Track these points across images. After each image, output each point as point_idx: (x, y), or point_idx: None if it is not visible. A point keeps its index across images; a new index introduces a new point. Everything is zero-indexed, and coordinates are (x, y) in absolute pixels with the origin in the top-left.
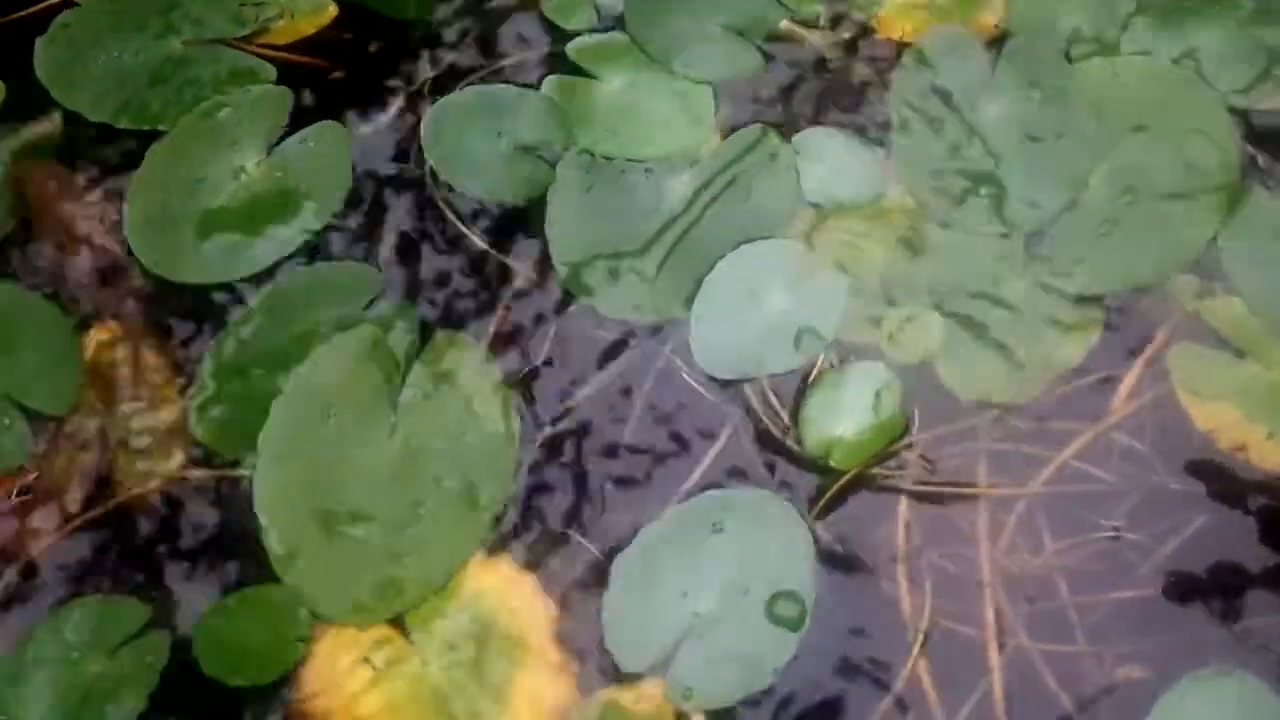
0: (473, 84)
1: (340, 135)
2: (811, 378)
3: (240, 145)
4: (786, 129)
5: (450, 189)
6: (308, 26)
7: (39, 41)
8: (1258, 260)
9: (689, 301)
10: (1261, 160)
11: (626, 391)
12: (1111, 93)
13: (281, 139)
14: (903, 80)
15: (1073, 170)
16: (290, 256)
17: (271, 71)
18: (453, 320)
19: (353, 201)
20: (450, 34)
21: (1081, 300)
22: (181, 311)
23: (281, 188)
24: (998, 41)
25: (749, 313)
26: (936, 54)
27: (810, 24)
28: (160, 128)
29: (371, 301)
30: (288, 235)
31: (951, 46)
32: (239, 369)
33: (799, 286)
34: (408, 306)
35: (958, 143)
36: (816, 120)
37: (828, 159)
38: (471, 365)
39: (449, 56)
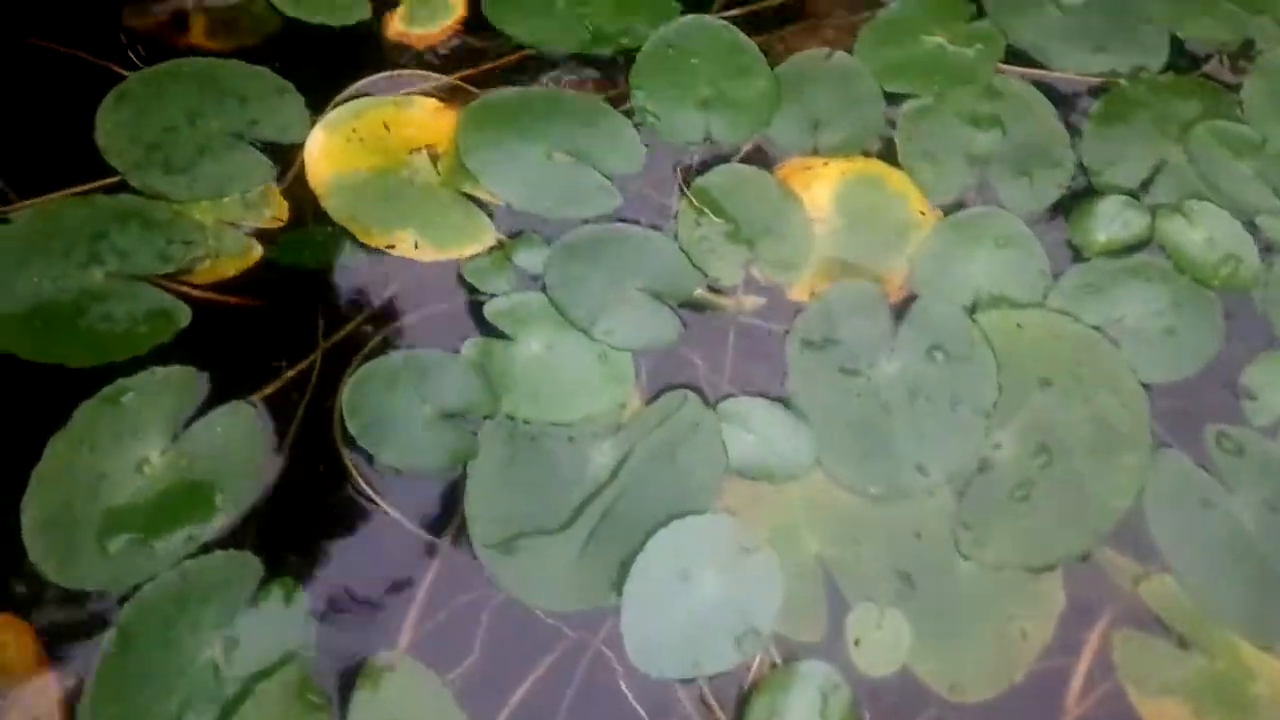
0: (392, 344)
1: (250, 418)
2: (752, 679)
3: (144, 433)
4: (709, 394)
5: (369, 459)
6: (231, 268)
7: None
8: (1184, 534)
9: (617, 585)
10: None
11: (555, 696)
12: (1016, 347)
13: (190, 420)
14: (804, 332)
15: (966, 439)
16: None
17: (187, 314)
18: (373, 622)
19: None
20: (371, 289)
21: (1029, 570)
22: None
23: (188, 480)
24: (905, 301)
25: (681, 600)
26: (839, 309)
27: (726, 291)
28: (67, 364)
29: (259, 590)
30: (191, 535)
31: (855, 303)
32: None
33: (733, 570)
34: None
35: (861, 403)
36: (739, 385)
37: (754, 428)
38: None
39: (364, 314)
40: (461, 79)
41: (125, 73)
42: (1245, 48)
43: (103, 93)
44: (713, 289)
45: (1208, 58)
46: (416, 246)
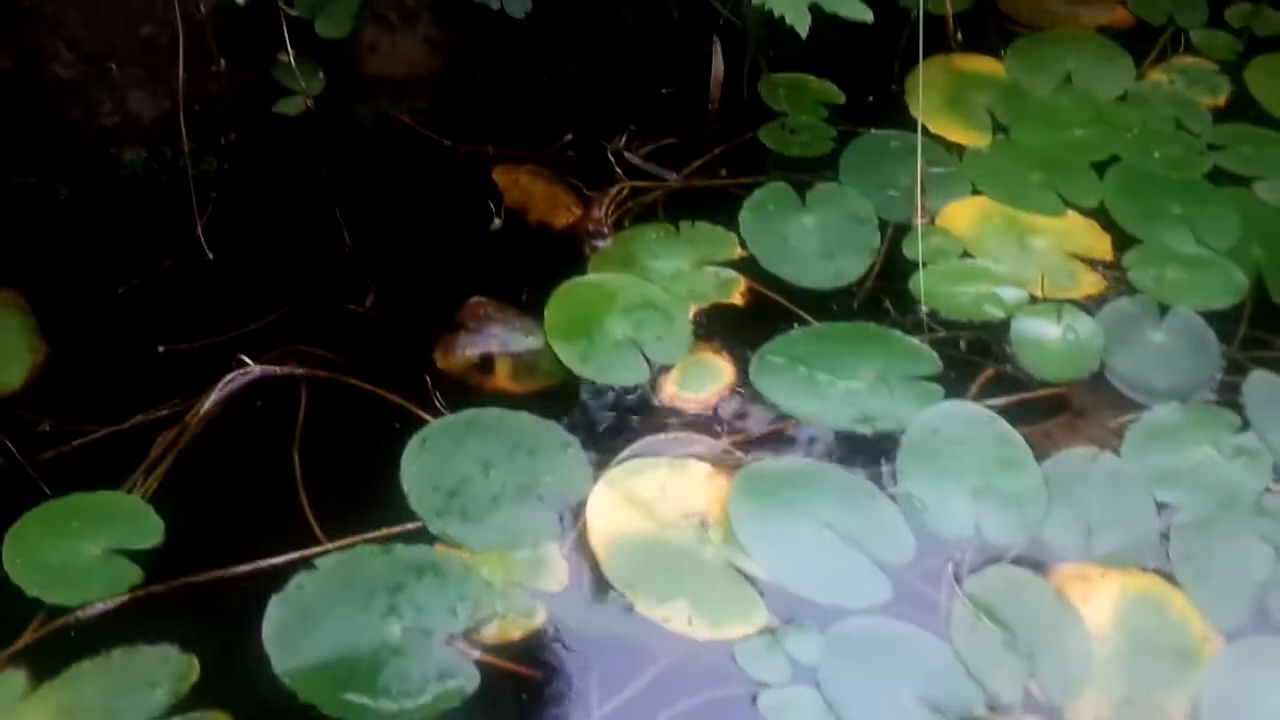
0: None
1: None
2: None
3: None
4: None
5: None
6: (515, 630)
7: (273, 599)
8: None
9: None
10: None
11: None
12: None
13: None
14: None
15: None
16: None
17: (475, 680)
18: None
19: None
20: (643, 662)
21: None
22: None
23: None
24: None
25: None
26: None
27: (1003, 709)
28: None
29: None
30: None
31: None
32: None
33: None
34: None
35: None
36: None
37: None
38: None
39: (634, 687)
40: (732, 444)
41: (429, 417)
42: None
43: (408, 436)
44: (991, 706)
45: None
46: (690, 622)
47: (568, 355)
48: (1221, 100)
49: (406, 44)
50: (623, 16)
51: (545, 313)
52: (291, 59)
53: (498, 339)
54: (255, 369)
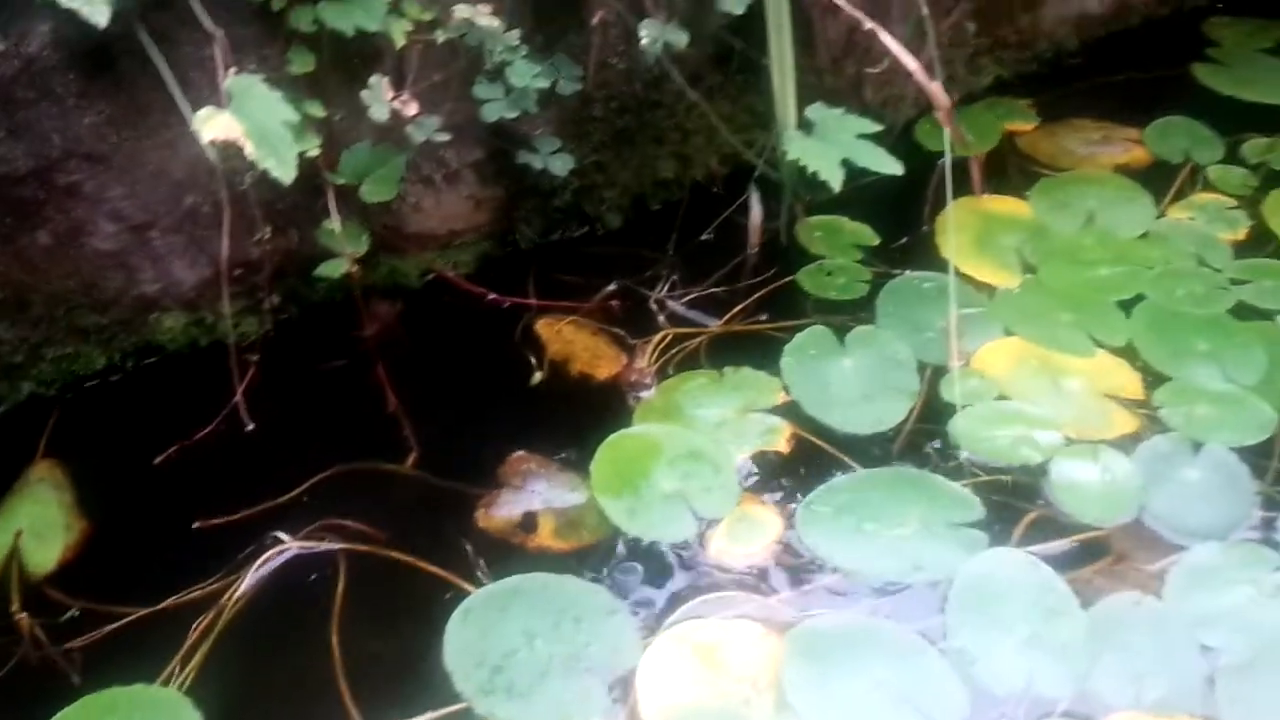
0: None
1: None
2: None
3: None
4: None
5: None
6: None
7: None
8: None
9: None
10: None
11: None
12: None
13: None
14: None
15: None
16: None
17: None
18: None
19: None
20: None
21: None
22: None
23: None
24: None
25: None
26: None
27: None
28: None
29: None
30: None
31: None
32: None
33: None
34: None
35: None
36: None
37: None
38: None
39: None
40: (781, 602)
41: (471, 587)
42: None
43: (450, 608)
44: None
45: None
46: None
47: (614, 511)
48: (1241, 235)
49: (450, 201)
50: (659, 169)
51: (590, 467)
52: (338, 224)
53: (541, 496)
54: (293, 545)
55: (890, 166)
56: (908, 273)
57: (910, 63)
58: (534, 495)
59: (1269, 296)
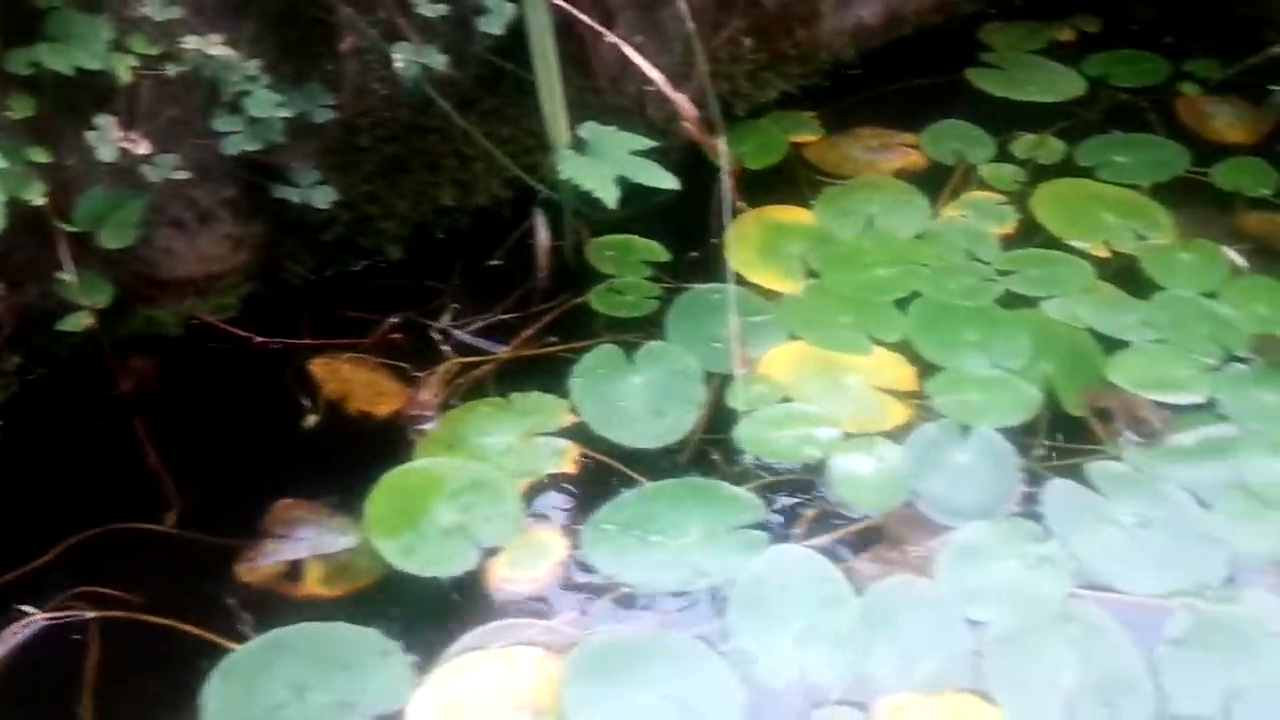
0: None
1: None
2: None
3: None
4: None
5: None
6: None
7: None
8: None
9: None
10: None
11: None
12: None
13: None
14: None
15: None
16: None
17: None
18: None
19: None
20: None
21: None
22: None
23: None
24: None
25: None
26: None
27: None
28: None
29: None
30: None
31: None
32: None
33: None
34: None
35: None
36: None
37: None
38: None
39: None
40: (564, 623)
41: (233, 644)
42: None
43: (210, 668)
44: None
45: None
46: None
47: (389, 550)
48: (1010, 229)
49: (206, 243)
50: (439, 196)
51: (366, 507)
52: (74, 275)
53: (308, 543)
54: (39, 618)
55: (666, 182)
56: (697, 286)
57: (654, 75)
58: (301, 543)
59: (1034, 285)
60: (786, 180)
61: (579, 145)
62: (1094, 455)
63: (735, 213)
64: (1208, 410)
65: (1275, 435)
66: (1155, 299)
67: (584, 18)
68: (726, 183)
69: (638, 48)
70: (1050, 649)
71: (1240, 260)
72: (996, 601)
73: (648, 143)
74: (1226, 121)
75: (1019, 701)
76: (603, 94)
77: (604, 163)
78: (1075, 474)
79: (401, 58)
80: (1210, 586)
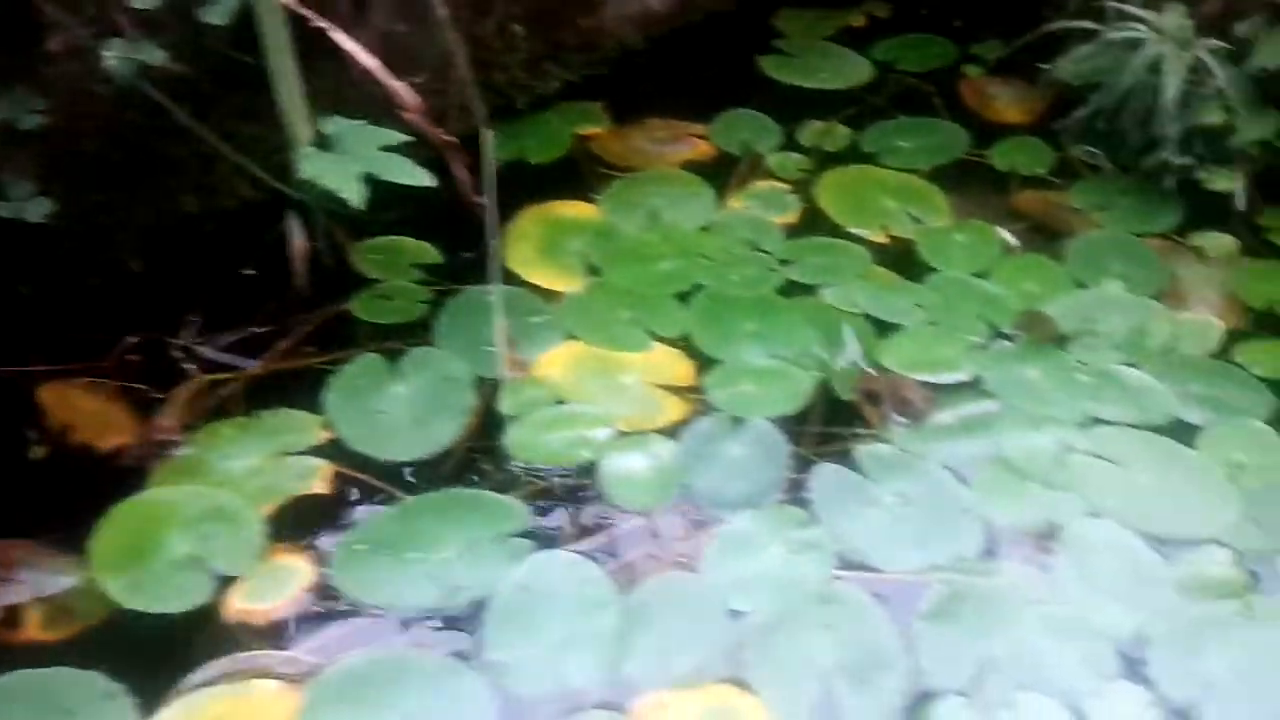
0: None
1: None
2: None
3: None
4: None
5: None
6: None
7: None
8: None
9: None
10: None
11: None
12: None
13: None
14: None
15: None
16: None
17: None
18: None
19: None
20: None
21: None
22: None
23: None
24: None
25: None
26: None
27: None
28: None
29: None
30: None
31: None
32: None
33: None
34: None
35: None
36: None
37: None
38: None
39: None
40: (307, 652)
41: None
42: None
43: None
44: None
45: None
46: None
47: (115, 588)
48: (793, 218)
49: None
50: (183, 203)
51: (92, 544)
52: None
53: (28, 586)
54: None
55: (418, 178)
56: (470, 288)
57: (370, 62)
58: (20, 586)
59: (813, 273)
60: (571, 174)
61: (323, 142)
62: (864, 439)
63: (504, 209)
64: (972, 388)
65: (1035, 409)
66: (929, 281)
67: (294, 4)
68: (490, 177)
69: (399, 36)
70: (809, 632)
71: (1013, 239)
72: (759, 590)
73: (400, 137)
74: (1006, 102)
75: (776, 687)
76: (360, 88)
77: (350, 160)
78: (844, 458)
79: (113, 55)
80: (966, 559)
